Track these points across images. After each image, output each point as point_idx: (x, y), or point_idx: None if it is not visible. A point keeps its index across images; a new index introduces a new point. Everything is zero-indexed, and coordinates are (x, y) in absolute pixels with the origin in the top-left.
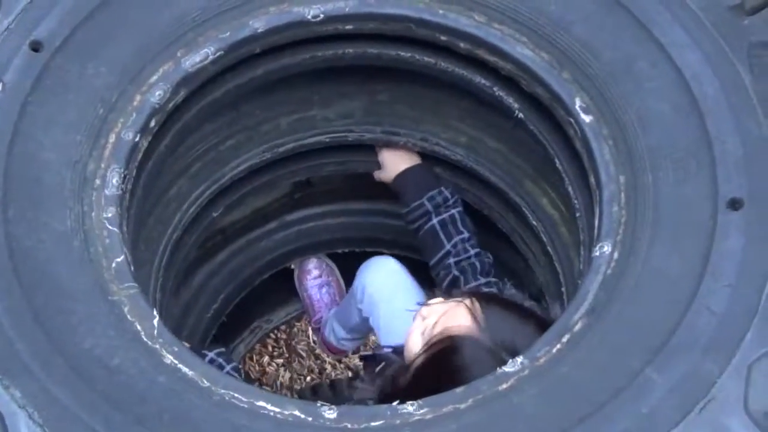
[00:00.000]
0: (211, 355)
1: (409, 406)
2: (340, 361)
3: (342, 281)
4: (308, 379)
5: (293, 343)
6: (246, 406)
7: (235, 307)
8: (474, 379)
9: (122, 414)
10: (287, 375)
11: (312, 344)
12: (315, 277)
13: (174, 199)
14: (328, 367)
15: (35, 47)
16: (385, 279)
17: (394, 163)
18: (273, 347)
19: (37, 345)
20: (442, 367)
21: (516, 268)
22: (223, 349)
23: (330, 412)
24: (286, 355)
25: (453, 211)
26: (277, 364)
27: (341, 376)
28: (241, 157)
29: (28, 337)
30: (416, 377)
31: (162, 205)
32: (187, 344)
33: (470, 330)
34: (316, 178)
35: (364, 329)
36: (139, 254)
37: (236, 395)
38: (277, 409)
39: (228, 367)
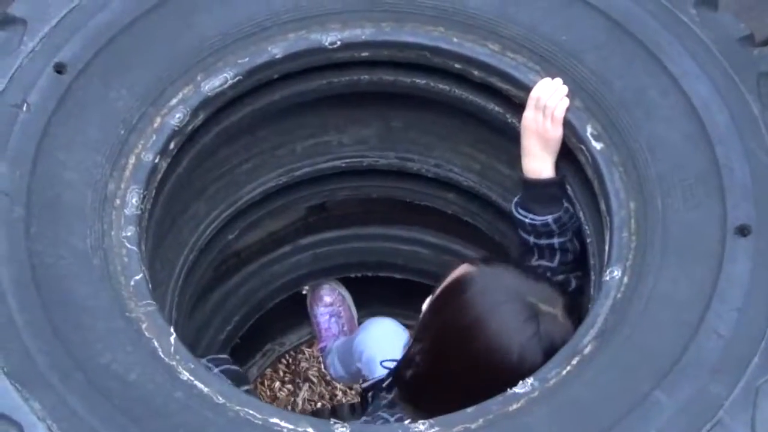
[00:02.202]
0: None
1: (421, 425)
2: (351, 388)
3: (354, 310)
4: (319, 404)
5: (304, 369)
6: (260, 422)
7: (248, 330)
8: (488, 322)
9: (139, 428)
10: (299, 401)
11: (323, 370)
12: (326, 305)
13: (191, 220)
14: (339, 393)
15: (59, 69)
16: (382, 341)
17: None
18: (284, 372)
19: (57, 359)
20: (451, 302)
21: None
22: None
23: (343, 430)
24: (298, 381)
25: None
26: (288, 390)
27: (344, 402)
28: (257, 181)
29: (48, 351)
30: (424, 326)
31: (179, 226)
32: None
33: (478, 270)
34: (330, 202)
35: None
36: (156, 274)
37: (251, 412)
38: (291, 426)
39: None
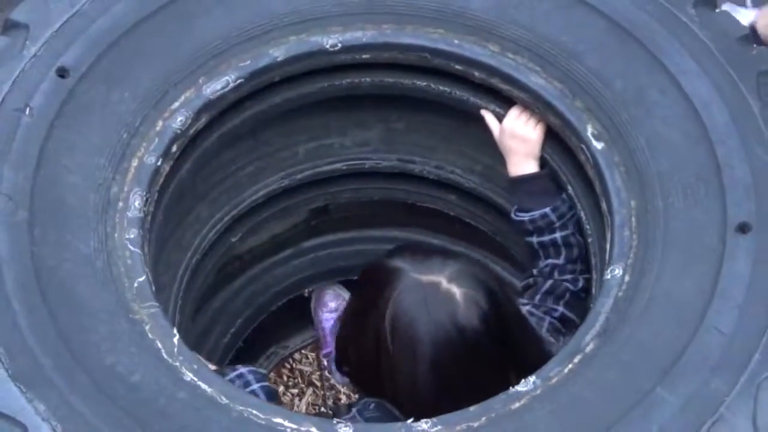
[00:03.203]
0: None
1: (424, 424)
2: (355, 392)
3: None
4: (323, 409)
5: (308, 373)
6: (263, 422)
7: (251, 333)
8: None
9: (143, 428)
10: (302, 405)
11: (327, 375)
12: (331, 311)
13: (194, 223)
14: (343, 398)
15: (62, 73)
16: None
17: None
18: (288, 377)
19: (61, 360)
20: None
21: None
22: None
23: (346, 429)
24: (302, 386)
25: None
26: (292, 394)
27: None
28: (260, 184)
29: (53, 353)
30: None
31: (182, 229)
32: (212, 366)
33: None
34: (332, 205)
35: None
36: (159, 277)
37: (254, 412)
38: (294, 426)
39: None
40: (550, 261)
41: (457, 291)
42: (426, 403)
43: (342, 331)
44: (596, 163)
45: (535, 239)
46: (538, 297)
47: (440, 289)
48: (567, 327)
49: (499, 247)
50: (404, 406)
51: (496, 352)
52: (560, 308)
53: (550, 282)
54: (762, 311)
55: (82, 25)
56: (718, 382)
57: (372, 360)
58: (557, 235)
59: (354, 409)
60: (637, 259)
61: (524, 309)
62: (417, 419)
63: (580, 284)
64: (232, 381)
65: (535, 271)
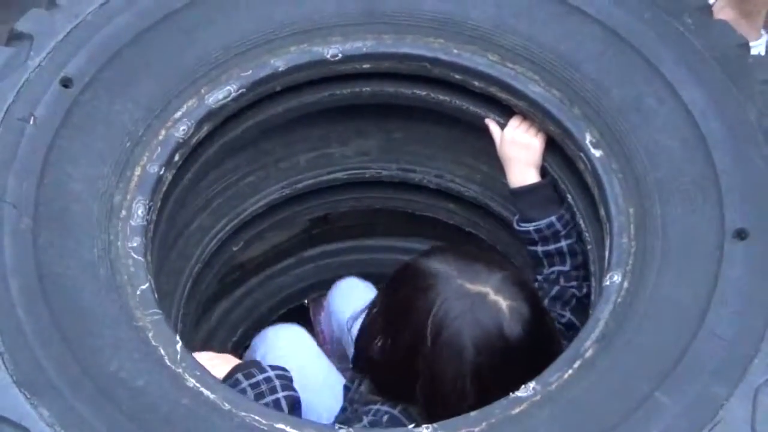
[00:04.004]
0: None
1: (425, 429)
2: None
3: None
4: None
5: None
6: (266, 428)
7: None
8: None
9: None
10: None
11: None
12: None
13: (196, 232)
14: None
15: (65, 83)
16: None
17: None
18: None
19: (65, 366)
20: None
21: None
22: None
23: None
24: None
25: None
26: None
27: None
28: (261, 193)
29: (57, 359)
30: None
31: (184, 238)
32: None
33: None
34: (333, 214)
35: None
36: (161, 286)
37: (256, 418)
38: (296, 431)
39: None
40: (556, 268)
41: (503, 303)
42: (461, 408)
43: (369, 329)
44: (594, 170)
45: (540, 248)
46: (546, 302)
47: (487, 300)
48: (571, 332)
49: (500, 255)
50: (434, 410)
51: (534, 360)
52: (567, 314)
53: (557, 288)
54: (760, 316)
55: (85, 35)
56: (717, 387)
57: (403, 361)
58: (563, 243)
59: (366, 419)
60: (635, 265)
61: None
62: None
63: (585, 290)
64: (258, 384)
65: (540, 278)
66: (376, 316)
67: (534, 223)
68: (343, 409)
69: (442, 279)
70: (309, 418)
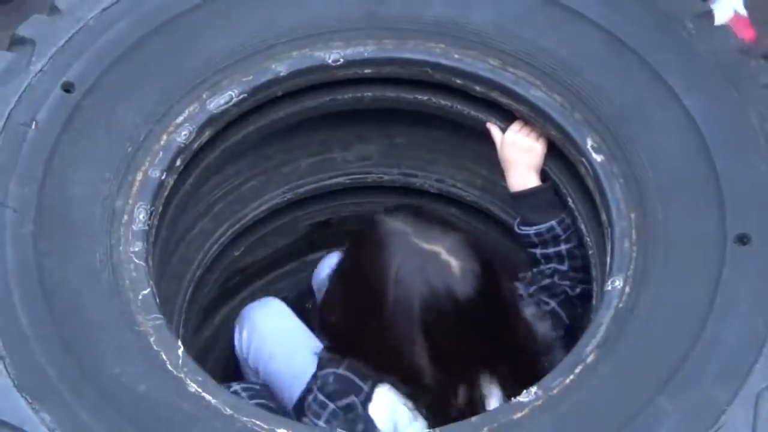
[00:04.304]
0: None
1: None
2: None
3: None
4: None
5: None
6: None
7: None
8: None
9: None
10: None
11: None
12: None
13: (197, 237)
14: None
15: (67, 88)
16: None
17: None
18: None
19: (67, 371)
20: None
21: None
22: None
23: None
24: None
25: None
26: None
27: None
28: (263, 198)
29: (58, 364)
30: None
31: (186, 243)
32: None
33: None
34: (335, 219)
35: None
36: (163, 291)
37: (258, 422)
38: None
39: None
40: (552, 266)
41: (455, 263)
42: (413, 366)
43: (331, 288)
44: (596, 175)
45: (539, 251)
46: (533, 289)
47: (439, 259)
48: (553, 322)
49: (501, 259)
50: (384, 363)
51: (487, 325)
52: (552, 303)
53: (548, 281)
54: (761, 321)
55: (87, 40)
56: (718, 392)
57: (357, 314)
58: (562, 247)
59: (315, 387)
60: (637, 270)
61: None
62: (405, 382)
63: (578, 290)
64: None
65: (535, 270)
66: (338, 273)
67: (535, 227)
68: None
69: (397, 237)
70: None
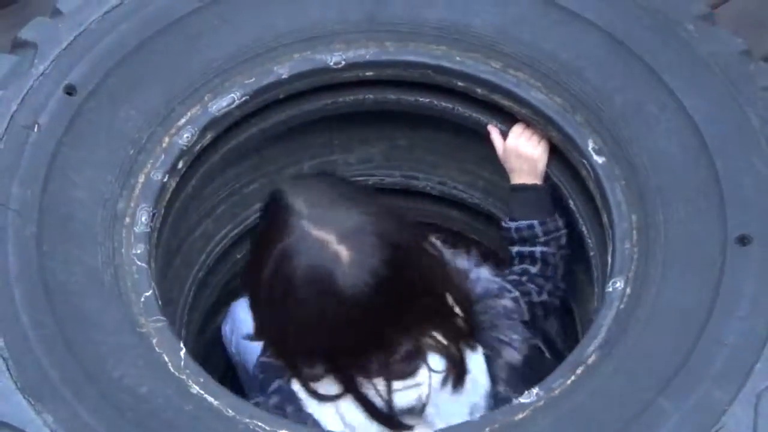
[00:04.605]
0: None
1: None
2: None
3: None
4: None
5: None
6: None
7: None
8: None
9: None
10: None
11: None
12: None
13: (199, 239)
14: None
15: (69, 91)
16: None
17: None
18: None
19: (70, 373)
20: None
21: None
22: None
23: None
24: None
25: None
26: None
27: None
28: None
29: (61, 366)
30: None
31: (188, 245)
32: None
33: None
34: None
35: None
36: (165, 293)
37: (260, 424)
38: None
39: None
40: (524, 266)
41: (345, 253)
42: (312, 356)
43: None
44: (597, 177)
45: (516, 248)
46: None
47: (328, 249)
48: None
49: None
50: (281, 352)
51: (393, 315)
52: (516, 293)
53: (515, 277)
54: (762, 322)
55: (89, 43)
56: (719, 392)
57: (254, 293)
58: (537, 249)
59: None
60: (638, 271)
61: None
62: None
63: (542, 297)
64: None
65: (507, 271)
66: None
67: (516, 222)
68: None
69: (293, 216)
70: None
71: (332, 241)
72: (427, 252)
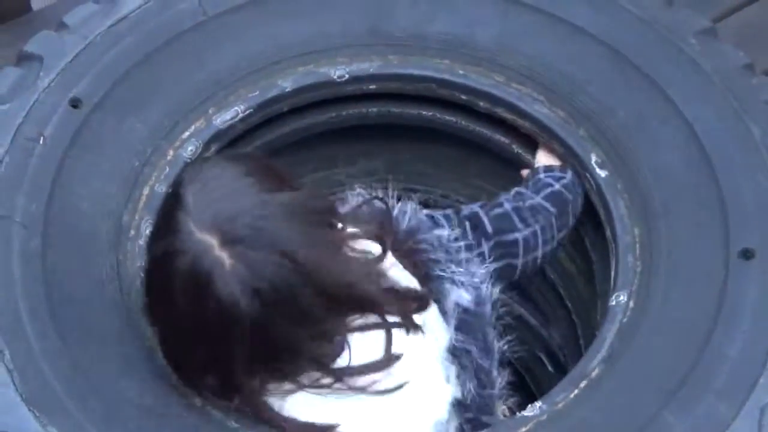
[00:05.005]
0: None
1: None
2: None
3: None
4: None
5: None
6: None
7: None
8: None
9: None
10: None
11: None
12: None
13: None
14: None
15: (74, 104)
16: None
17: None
18: None
19: (74, 385)
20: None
21: (535, 324)
22: None
23: None
24: None
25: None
26: None
27: None
28: None
29: (65, 378)
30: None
31: None
32: None
33: None
34: None
35: None
36: None
37: None
38: None
39: None
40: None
41: (227, 262)
42: (202, 379)
43: None
44: (600, 190)
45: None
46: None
47: (209, 254)
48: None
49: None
50: (176, 369)
51: (286, 325)
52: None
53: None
54: (766, 336)
55: (94, 56)
56: (723, 406)
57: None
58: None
59: None
60: (641, 285)
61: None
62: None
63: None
64: None
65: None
66: None
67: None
68: None
69: (180, 211)
70: None
71: (215, 246)
72: (341, 254)
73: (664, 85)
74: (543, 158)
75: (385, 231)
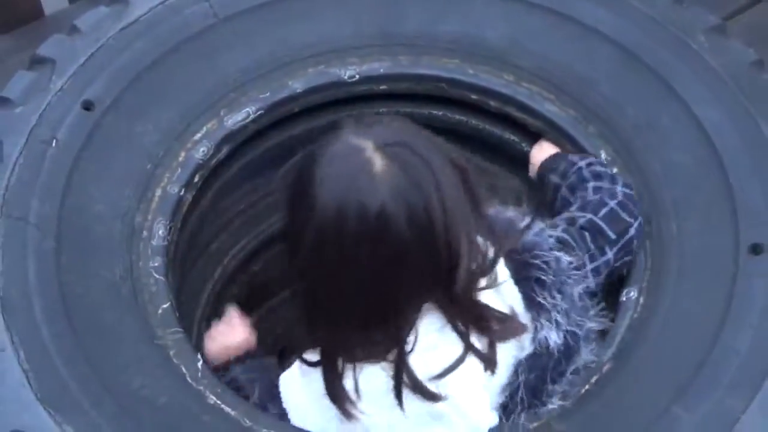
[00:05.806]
0: None
1: None
2: None
3: None
4: None
5: None
6: None
7: None
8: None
9: None
10: None
11: None
12: None
13: (216, 252)
14: None
15: (87, 106)
16: None
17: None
18: None
19: (89, 384)
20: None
21: None
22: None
23: None
24: None
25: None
26: None
27: None
28: (280, 214)
29: (80, 377)
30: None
31: (204, 258)
32: None
33: None
34: None
35: None
36: (182, 305)
37: None
38: None
39: None
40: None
41: (379, 162)
42: (348, 319)
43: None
44: None
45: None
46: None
47: (361, 156)
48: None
49: None
50: (312, 319)
51: (428, 267)
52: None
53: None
54: None
55: (106, 59)
56: (733, 400)
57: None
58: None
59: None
60: (652, 281)
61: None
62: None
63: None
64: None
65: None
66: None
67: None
68: None
69: (333, 136)
70: None
71: (369, 147)
72: (472, 233)
73: (673, 83)
74: (539, 154)
75: (506, 239)
